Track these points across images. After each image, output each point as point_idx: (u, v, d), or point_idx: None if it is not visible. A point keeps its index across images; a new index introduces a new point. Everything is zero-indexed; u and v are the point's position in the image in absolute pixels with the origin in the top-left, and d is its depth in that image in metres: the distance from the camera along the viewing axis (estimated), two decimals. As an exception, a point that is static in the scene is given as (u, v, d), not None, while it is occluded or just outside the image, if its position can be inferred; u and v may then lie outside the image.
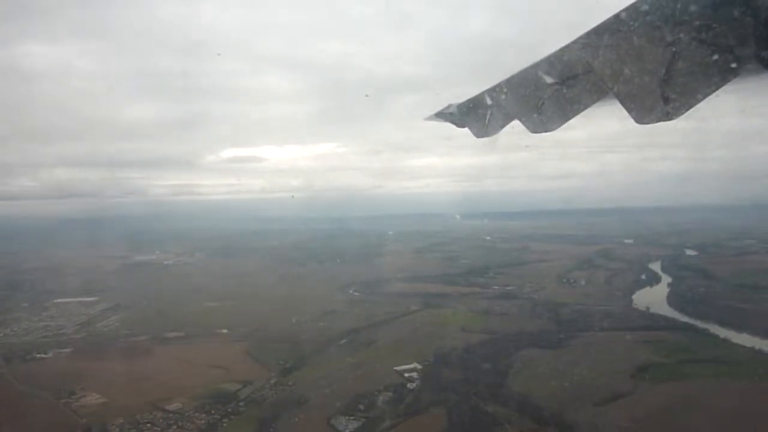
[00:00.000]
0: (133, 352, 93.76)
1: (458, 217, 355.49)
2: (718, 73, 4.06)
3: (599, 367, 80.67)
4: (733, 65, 3.99)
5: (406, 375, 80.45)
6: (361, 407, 69.61)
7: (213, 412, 68.87)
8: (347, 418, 66.54)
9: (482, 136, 8.08)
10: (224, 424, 66.03)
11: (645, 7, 4.28)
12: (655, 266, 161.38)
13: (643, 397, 69.43)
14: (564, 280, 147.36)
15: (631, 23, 4.39)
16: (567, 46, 5.28)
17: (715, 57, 4.01)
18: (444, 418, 65.77)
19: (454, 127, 8.91)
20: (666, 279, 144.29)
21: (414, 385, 77.12)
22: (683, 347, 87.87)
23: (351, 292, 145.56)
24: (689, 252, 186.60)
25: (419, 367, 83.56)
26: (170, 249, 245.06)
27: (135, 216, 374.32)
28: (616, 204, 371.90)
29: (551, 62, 5.74)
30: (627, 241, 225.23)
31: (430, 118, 9.27)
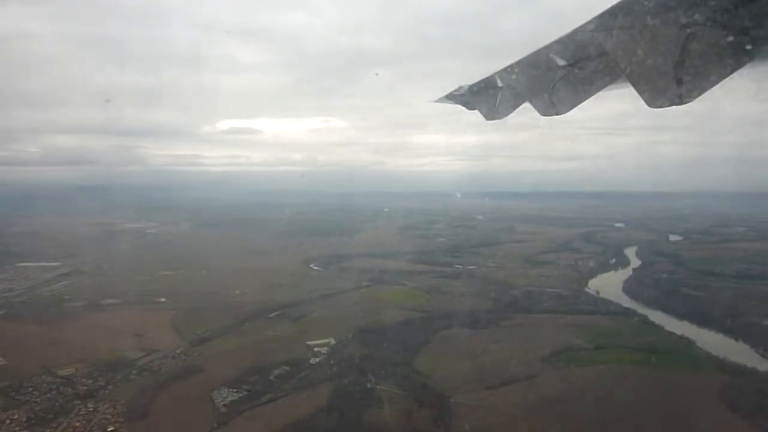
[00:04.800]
0: (61, 317, 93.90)
1: (459, 196, 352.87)
2: (733, 55, 4.00)
3: (515, 349, 78.22)
4: (748, 47, 3.92)
5: (316, 350, 78.97)
6: (251, 380, 68.24)
7: (101, 378, 68.14)
8: (230, 390, 65.22)
9: (492, 119, 8.01)
10: (106, 391, 65.19)
11: None
12: (631, 251, 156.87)
13: (541, 382, 66.91)
14: (531, 262, 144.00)
15: (646, 4, 4.30)
16: (580, 28, 5.12)
17: (730, 39, 3.93)
18: (326, 395, 63.99)
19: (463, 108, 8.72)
20: (635, 264, 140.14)
21: (317, 360, 75.57)
22: (611, 333, 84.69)
23: (312, 266, 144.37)
24: (673, 237, 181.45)
25: (333, 342, 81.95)
26: (159, 218, 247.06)
27: (137, 185, 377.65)
28: (621, 188, 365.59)
29: (564, 44, 5.60)
30: (617, 224, 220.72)
31: (440, 100, 9.07)
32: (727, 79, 4.11)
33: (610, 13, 4.56)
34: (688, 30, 4.04)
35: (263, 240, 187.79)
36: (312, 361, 75.47)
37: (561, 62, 5.81)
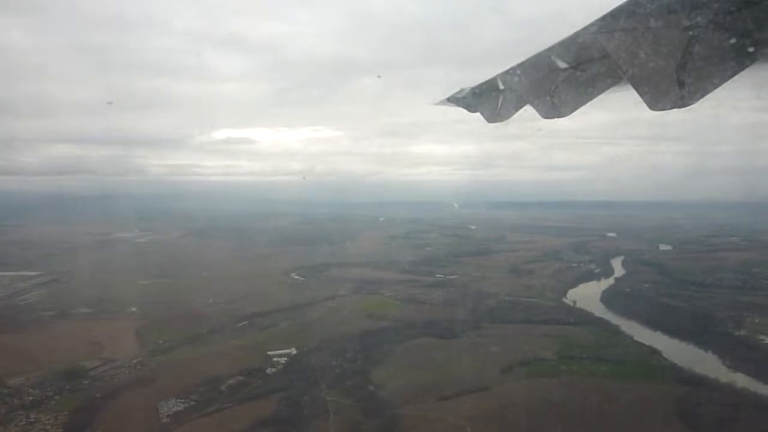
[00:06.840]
0: (27, 326, 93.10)
1: (456, 205, 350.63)
2: (735, 57, 3.98)
3: (478, 359, 76.75)
4: (750, 49, 3.90)
5: (275, 360, 77.87)
6: (201, 390, 67.14)
7: (50, 388, 67.20)
8: (177, 400, 64.15)
9: (494, 121, 8.02)
10: (53, 401, 64.26)
11: None
12: (617, 261, 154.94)
13: (496, 394, 65.47)
14: (514, 272, 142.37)
15: (648, 6, 4.28)
16: (582, 30, 5.06)
17: (733, 41, 3.92)
18: (274, 405, 62.83)
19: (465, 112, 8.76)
20: (618, 274, 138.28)
21: (274, 370, 74.44)
22: (578, 343, 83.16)
23: (294, 275, 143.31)
24: (663, 247, 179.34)
25: (294, 352, 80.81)
26: (153, 227, 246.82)
27: (135, 194, 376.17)
28: (619, 197, 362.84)
29: (565, 46, 5.58)
30: (610, 234, 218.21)
31: (441, 103, 9.11)
32: (729, 81, 4.06)
33: (613, 15, 4.50)
34: (691, 32, 4.00)
35: (251, 249, 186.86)
36: (269, 371, 74.40)
37: (563, 64, 5.77)
